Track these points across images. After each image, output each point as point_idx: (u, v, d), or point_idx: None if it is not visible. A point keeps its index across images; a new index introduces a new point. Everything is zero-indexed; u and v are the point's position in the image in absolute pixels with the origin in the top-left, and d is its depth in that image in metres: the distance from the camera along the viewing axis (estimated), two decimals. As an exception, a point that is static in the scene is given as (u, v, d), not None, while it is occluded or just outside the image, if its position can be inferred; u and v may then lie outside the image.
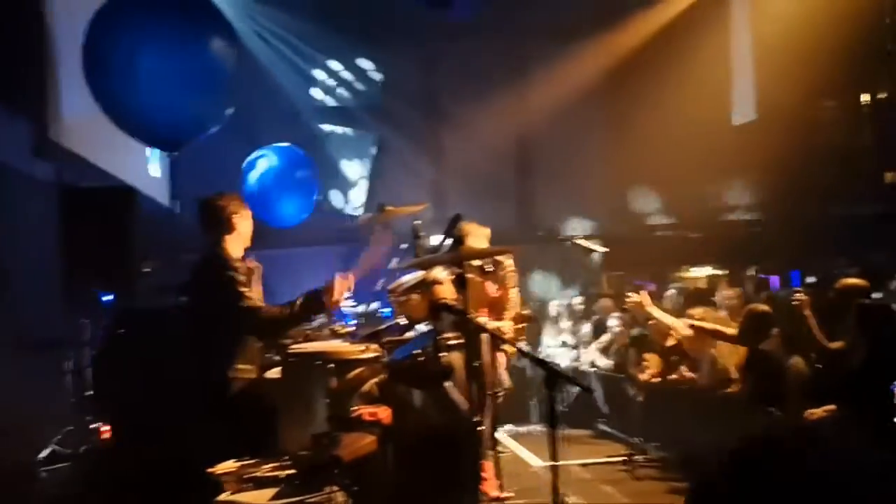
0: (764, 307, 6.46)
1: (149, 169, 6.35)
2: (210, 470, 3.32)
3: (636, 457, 7.03)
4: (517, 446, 8.04)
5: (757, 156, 10.23)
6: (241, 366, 4.16)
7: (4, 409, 5.01)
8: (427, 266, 4.36)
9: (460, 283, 3.64)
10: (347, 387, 3.98)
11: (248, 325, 4.14)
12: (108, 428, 5.38)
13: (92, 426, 5.59)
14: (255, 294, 4.21)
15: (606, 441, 8.08)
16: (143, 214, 5.28)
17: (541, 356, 8.36)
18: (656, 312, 6.99)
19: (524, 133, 11.69)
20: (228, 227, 4.28)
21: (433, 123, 11.83)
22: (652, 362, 7.62)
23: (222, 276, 4.10)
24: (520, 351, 3.96)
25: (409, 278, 4.63)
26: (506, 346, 5.20)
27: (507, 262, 5.65)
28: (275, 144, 8.64)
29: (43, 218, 5.46)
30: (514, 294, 5.65)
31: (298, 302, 4.14)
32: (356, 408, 3.60)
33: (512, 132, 11.58)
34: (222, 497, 3.08)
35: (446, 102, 11.78)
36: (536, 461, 7.39)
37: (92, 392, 5.66)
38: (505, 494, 5.49)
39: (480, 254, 4.66)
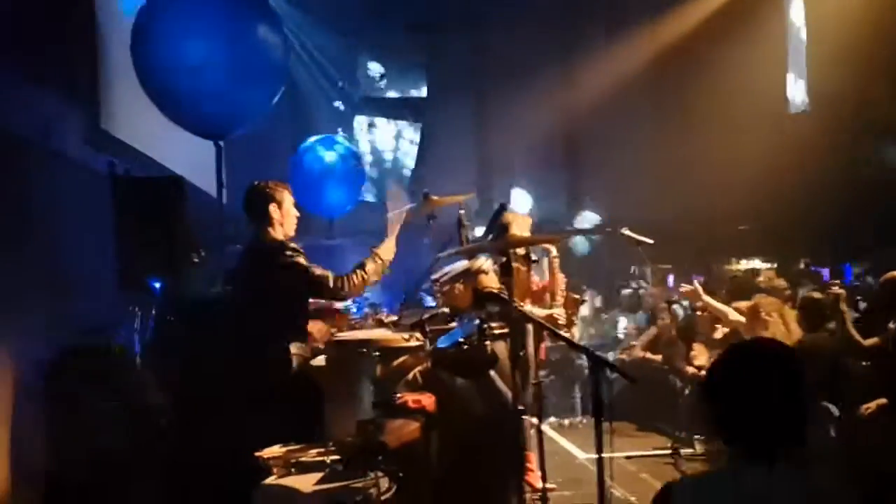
0: (819, 295, 6.31)
1: (197, 157, 6.43)
2: (258, 454, 3.36)
3: (682, 450, 6.97)
4: (562, 438, 8.03)
5: (810, 146, 10.02)
6: (294, 350, 4.26)
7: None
8: (472, 255, 4.36)
9: (505, 271, 3.61)
10: (392, 374, 4.01)
11: (325, 294, 4.34)
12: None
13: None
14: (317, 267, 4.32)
15: (651, 434, 8.01)
16: (191, 203, 5.35)
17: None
18: (710, 301, 6.87)
19: (572, 122, 11.58)
20: (275, 214, 4.37)
21: (479, 112, 11.78)
22: (700, 353, 7.51)
23: (283, 259, 4.20)
24: (565, 340, 3.92)
25: (454, 268, 4.62)
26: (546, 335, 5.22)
27: (553, 250, 5.64)
28: (323, 135, 8.73)
29: (96, 206, 5.56)
30: (561, 280, 5.65)
31: (360, 273, 4.34)
32: (400, 395, 3.60)
33: (560, 121, 11.48)
34: (268, 481, 3.11)
35: (493, 91, 11.73)
36: (581, 453, 7.36)
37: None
38: (549, 486, 5.48)
39: (527, 241, 4.63)
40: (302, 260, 4.25)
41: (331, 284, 4.24)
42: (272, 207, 4.37)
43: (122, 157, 5.94)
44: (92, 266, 5.62)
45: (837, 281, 6.39)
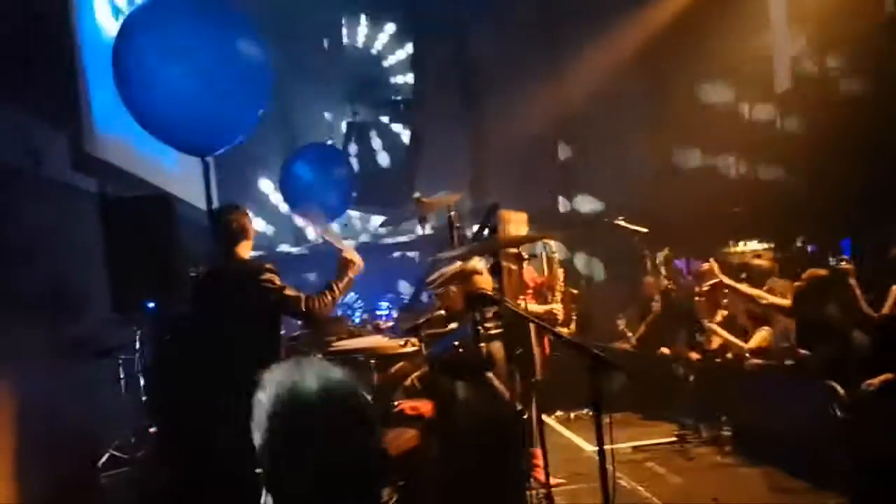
0: (822, 271, 6.25)
1: (185, 174, 6.43)
2: (259, 471, 3.34)
3: (688, 437, 6.96)
4: (568, 432, 8.02)
5: (798, 123, 10.00)
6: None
7: (64, 416, 5.12)
8: (464, 257, 4.36)
9: (494, 272, 3.60)
10: (390, 381, 4.00)
11: (298, 314, 4.36)
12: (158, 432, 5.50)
13: (149, 430, 5.70)
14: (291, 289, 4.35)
15: (657, 422, 7.99)
16: (181, 220, 5.35)
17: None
18: (728, 282, 6.83)
19: (562, 113, 11.55)
20: (242, 236, 4.46)
21: (468, 110, 11.76)
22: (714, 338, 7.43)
23: (260, 280, 4.21)
24: (560, 338, 3.91)
25: (447, 270, 4.61)
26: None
27: (552, 244, 5.65)
28: (311, 143, 8.73)
29: (87, 228, 5.56)
30: (560, 275, 5.65)
31: (333, 282, 4.39)
32: (398, 402, 3.60)
33: (549, 114, 11.45)
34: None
35: (481, 87, 11.70)
36: (588, 446, 7.34)
37: (146, 398, 5.76)
38: (556, 480, 5.47)
39: (516, 241, 4.62)
40: (277, 281, 4.30)
41: (303, 306, 4.27)
42: (239, 229, 4.45)
43: (109, 178, 5.93)
44: (88, 289, 5.63)
45: (845, 257, 6.32)
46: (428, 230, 7.85)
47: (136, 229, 5.06)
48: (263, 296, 4.25)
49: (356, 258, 4.47)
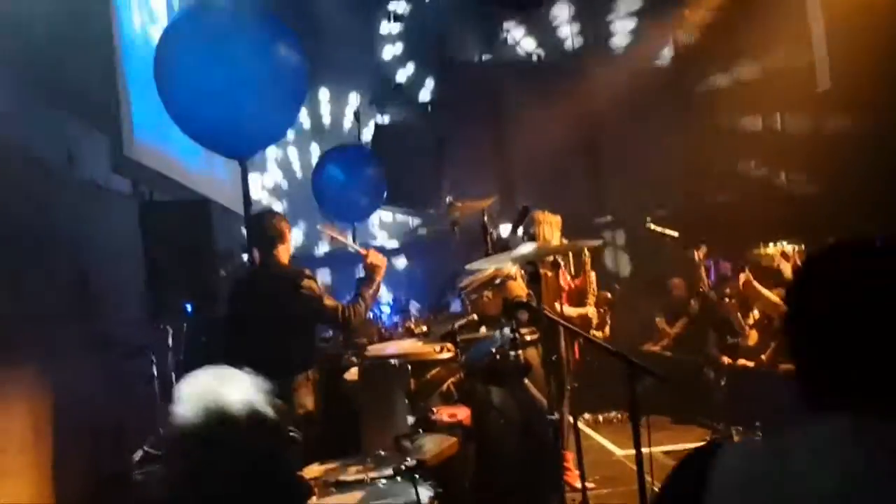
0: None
1: (221, 177, 6.51)
2: (300, 473, 3.38)
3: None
4: (597, 435, 8.00)
5: (834, 124, 9.87)
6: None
7: (99, 413, 5.20)
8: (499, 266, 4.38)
9: (534, 279, 3.61)
10: (426, 387, 4.02)
11: (335, 324, 4.53)
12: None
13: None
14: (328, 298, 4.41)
15: (689, 426, 7.94)
16: (217, 223, 5.42)
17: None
18: (762, 290, 6.78)
19: (591, 116, 11.50)
20: (280, 240, 4.52)
21: (496, 113, 11.74)
22: (751, 335, 7.37)
23: (300, 287, 4.27)
24: (597, 345, 3.91)
25: (480, 275, 4.63)
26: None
27: (585, 249, 5.65)
28: (343, 144, 8.77)
29: (124, 230, 5.64)
30: (593, 279, 5.65)
31: (363, 289, 4.53)
32: (436, 409, 3.61)
33: (578, 116, 11.41)
34: (312, 502, 3.13)
35: (508, 89, 11.68)
36: (617, 449, 7.33)
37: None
38: (588, 485, 5.47)
39: (555, 251, 4.63)
40: (316, 289, 4.38)
41: (339, 316, 4.38)
42: (276, 234, 4.54)
43: (148, 181, 6.01)
44: (123, 289, 5.71)
45: None
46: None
47: (174, 233, 5.13)
48: (302, 303, 4.30)
49: (379, 261, 4.52)
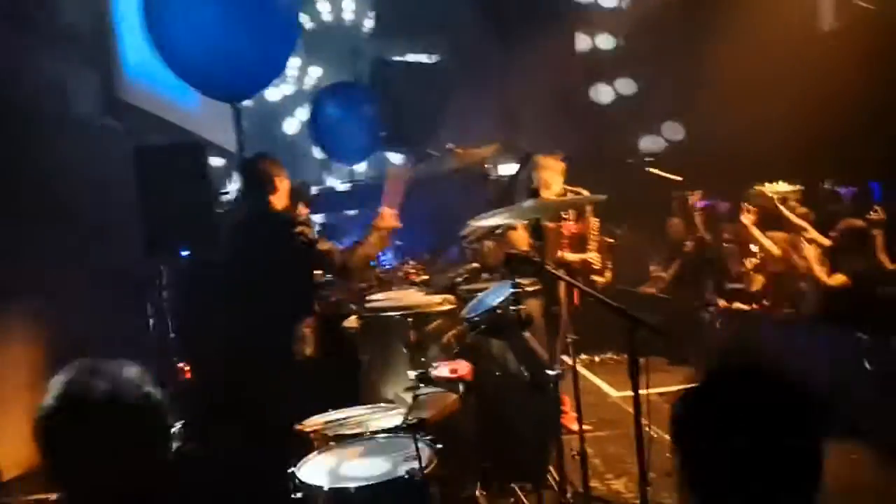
0: (859, 222, 6.14)
1: (215, 118, 6.36)
2: (298, 427, 3.38)
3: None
4: (594, 377, 8.05)
5: (838, 65, 9.69)
6: None
7: (96, 345, 5.19)
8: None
9: (536, 232, 3.55)
10: (426, 338, 4.00)
11: (329, 268, 4.45)
12: (188, 368, 5.59)
13: (178, 365, 5.78)
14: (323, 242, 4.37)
15: (683, 368, 7.98)
16: (212, 167, 5.33)
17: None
18: (756, 235, 6.76)
19: (594, 50, 11.28)
20: (272, 188, 4.44)
21: (499, 49, 11.48)
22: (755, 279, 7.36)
23: (293, 233, 4.21)
24: (598, 299, 3.88)
25: (482, 224, 4.56)
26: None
27: (584, 193, 5.57)
28: (339, 81, 8.60)
29: (118, 169, 5.56)
30: (594, 224, 5.60)
31: (363, 241, 4.44)
32: (436, 364, 3.60)
33: (580, 51, 11.20)
34: (311, 457, 3.13)
35: (512, 27, 11.40)
36: (613, 391, 7.39)
37: (175, 335, 5.82)
38: (584, 427, 5.51)
39: (559, 205, 4.56)
40: (309, 233, 4.32)
41: (335, 260, 4.31)
42: (267, 180, 4.42)
43: (140, 122, 5.90)
44: (120, 226, 5.67)
45: (878, 205, 6.16)
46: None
47: (168, 176, 5.02)
48: (296, 247, 4.25)
49: (387, 224, 4.42)
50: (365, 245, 4.44)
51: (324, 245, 4.33)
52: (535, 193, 3.41)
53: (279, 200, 4.50)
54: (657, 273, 9.32)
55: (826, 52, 9.89)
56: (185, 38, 4.84)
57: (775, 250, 6.63)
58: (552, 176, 5.39)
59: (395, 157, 11.19)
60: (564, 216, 5.20)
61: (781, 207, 6.62)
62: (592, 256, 5.46)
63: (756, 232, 6.75)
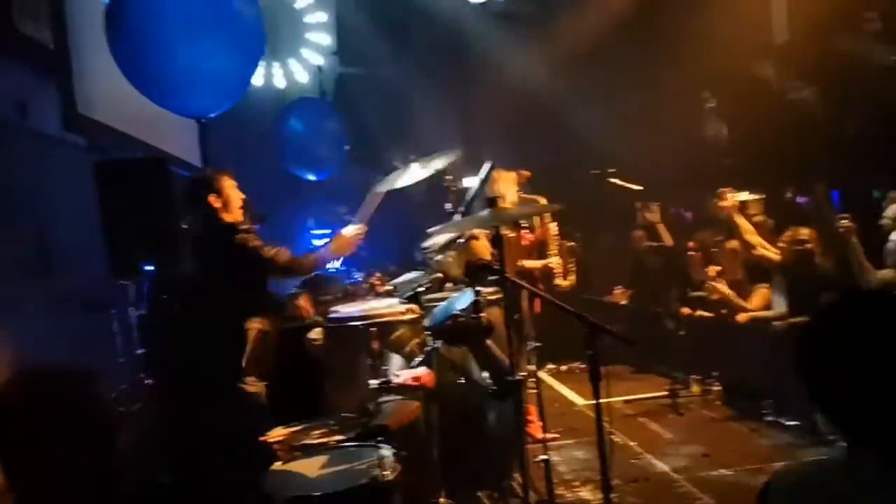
0: (805, 231, 6.25)
1: (179, 134, 6.34)
2: (262, 439, 3.40)
3: (679, 391, 7.06)
4: (560, 385, 8.13)
5: (792, 75, 9.92)
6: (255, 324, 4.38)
7: (62, 368, 5.13)
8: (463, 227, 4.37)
9: (495, 243, 3.61)
10: (389, 347, 4.03)
11: (273, 269, 4.39)
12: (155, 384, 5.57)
13: (145, 382, 5.75)
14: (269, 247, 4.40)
15: (648, 376, 8.11)
16: (176, 182, 5.31)
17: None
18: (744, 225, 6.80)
19: (554, 68, 11.41)
20: (216, 203, 4.43)
21: (458, 64, 11.59)
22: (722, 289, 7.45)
23: (234, 241, 4.26)
24: (558, 306, 3.94)
25: (444, 235, 4.62)
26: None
27: (542, 200, 5.66)
28: (302, 97, 8.63)
29: (80, 185, 5.53)
30: (553, 229, 5.68)
31: (315, 253, 4.53)
32: (399, 372, 3.63)
33: (541, 68, 11.32)
34: (276, 467, 3.15)
35: (472, 47, 11.52)
36: (579, 399, 7.47)
37: (143, 350, 5.80)
38: (550, 435, 5.57)
39: (516, 216, 4.63)
40: (251, 240, 4.33)
41: (280, 263, 4.34)
42: (211, 197, 4.42)
43: (103, 137, 5.87)
44: (80, 245, 5.63)
45: (847, 215, 6.25)
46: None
47: (130, 191, 5.02)
48: (241, 256, 4.28)
49: (344, 245, 4.49)
50: (321, 251, 4.52)
51: (269, 250, 4.36)
52: (492, 203, 3.47)
53: (230, 214, 4.50)
54: (621, 290, 9.39)
55: (781, 63, 10.13)
56: (150, 53, 4.85)
57: (771, 252, 6.65)
58: (506, 186, 5.50)
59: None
60: (524, 225, 5.27)
61: (737, 218, 6.71)
62: (553, 261, 5.55)
63: (741, 221, 6.73)
